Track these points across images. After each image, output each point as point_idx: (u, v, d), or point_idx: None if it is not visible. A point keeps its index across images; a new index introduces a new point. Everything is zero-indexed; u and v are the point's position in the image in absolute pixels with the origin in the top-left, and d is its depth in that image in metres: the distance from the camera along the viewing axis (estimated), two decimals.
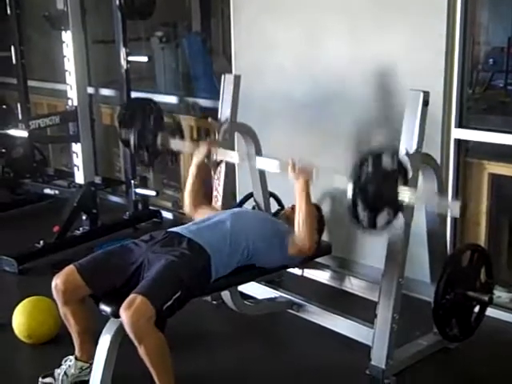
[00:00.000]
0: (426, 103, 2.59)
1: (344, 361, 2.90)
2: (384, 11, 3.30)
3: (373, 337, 2.72)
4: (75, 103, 4.27)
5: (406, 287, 2.80)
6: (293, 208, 2.78)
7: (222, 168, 3.34)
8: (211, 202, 3.32)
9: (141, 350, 2.34)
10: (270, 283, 3.38)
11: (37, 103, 5.61)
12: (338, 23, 3.49)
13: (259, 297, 3.31)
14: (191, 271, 2.49)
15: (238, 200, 3.85)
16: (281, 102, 3.76)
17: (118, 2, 4.12)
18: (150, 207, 4.79)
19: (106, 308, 2.45)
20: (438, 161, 2.99)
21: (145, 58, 4.67)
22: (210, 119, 3.41)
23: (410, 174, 2.46)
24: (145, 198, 4.70)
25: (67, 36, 4.18)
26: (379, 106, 3.41)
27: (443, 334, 2.85)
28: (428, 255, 2.91)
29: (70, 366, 2.67)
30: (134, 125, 3.16)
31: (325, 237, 3.16)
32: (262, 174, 3.42)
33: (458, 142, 3.23)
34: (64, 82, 4.31)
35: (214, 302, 3.35)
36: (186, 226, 2.80)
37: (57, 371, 2.67)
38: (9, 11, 4.71)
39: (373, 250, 3.38)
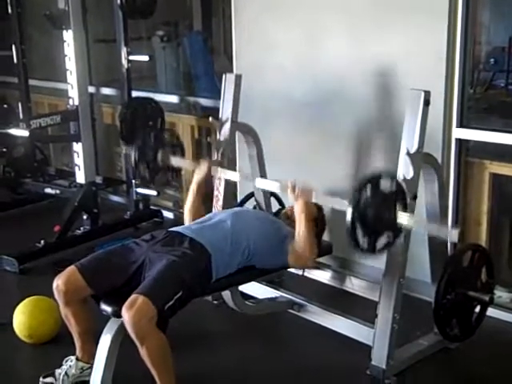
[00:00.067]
0: (426, 103, 2.58)
1: (344, 361, 2.90)
2: (384, 11, 3.30)
3: (373, 337, 2.72)
4: (76, 102, 4.26)
5: (407, 287, 2.79)
6: (293, 208, 2.78)
7: None
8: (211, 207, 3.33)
9: (142, 351, 2.34)
10: (271, 283, 3.38)
11: (38, 102, 5.60)
12: (339, 23, 3.49)
13: (260, 297, 3.31)
14: (193, 271, 2.49)
15: (238, 199, 3.85)
16: (281, 102, 3.76)
17: (119, 1, 4.11)
18: (151, 207, 4.79)
19: (106, 308, 2.45)
20: (439, 160, 2.99)
21: (146, 58, 4.68)
22: (211, 118, 3.40)
23: (409, 200, 2.47)
24: (146, 197, 4.70)
25: (68, 35, 4.17)
26: (379, 106, 3.41)
27: (444, 334, 2.84)
28: (429, 255, 2.90)
29: (70, 366, 2.66)
30: (134, 141, 3.16)
31: (326, 236, 3.17)
32: (263, 174, 3.42)
33: (459, 141, 3.23)
34: (65, 81, 4.30)
35: (215, 302, 3.35)
36: (186, 225, 2.80)
37: (57, 371, 2.67)
38: (10, 10, 4.72)
39: None
